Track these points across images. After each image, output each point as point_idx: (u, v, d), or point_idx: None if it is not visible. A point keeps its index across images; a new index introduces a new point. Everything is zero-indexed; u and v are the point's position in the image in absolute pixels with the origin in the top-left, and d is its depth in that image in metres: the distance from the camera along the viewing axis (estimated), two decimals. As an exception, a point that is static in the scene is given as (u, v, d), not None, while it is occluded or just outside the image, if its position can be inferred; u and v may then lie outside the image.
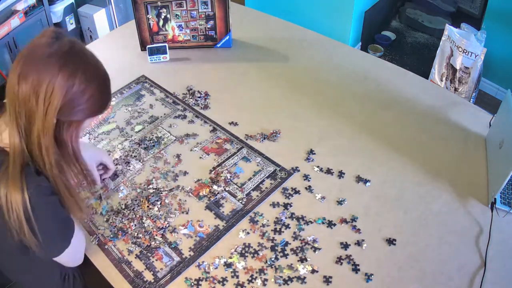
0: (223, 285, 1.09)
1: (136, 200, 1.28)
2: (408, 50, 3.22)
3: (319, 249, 1.16)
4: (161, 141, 1.47)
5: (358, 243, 1.17)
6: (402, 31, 3.38)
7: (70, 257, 1.10)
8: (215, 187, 1.31)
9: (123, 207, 1.26)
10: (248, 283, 1.09)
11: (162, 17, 1.78)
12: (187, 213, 1.25)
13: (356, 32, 3.02)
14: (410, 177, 1.33)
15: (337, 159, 1.39)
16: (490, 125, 1.46)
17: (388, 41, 3.24)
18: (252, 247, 1.17)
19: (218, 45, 1.87)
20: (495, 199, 1.21)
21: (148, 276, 1.11)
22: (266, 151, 1.42)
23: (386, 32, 3.31)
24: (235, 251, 1.16)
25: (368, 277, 1.09)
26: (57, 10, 2.93)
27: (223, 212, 1.25)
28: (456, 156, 1.39)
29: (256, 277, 1.10)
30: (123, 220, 1.23)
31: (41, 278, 1.15)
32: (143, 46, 1.85)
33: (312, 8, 2.93)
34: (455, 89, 2.63)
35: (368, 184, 1.31)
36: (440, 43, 2.64)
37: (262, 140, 1.46)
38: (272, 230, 1.20)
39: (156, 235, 1.19)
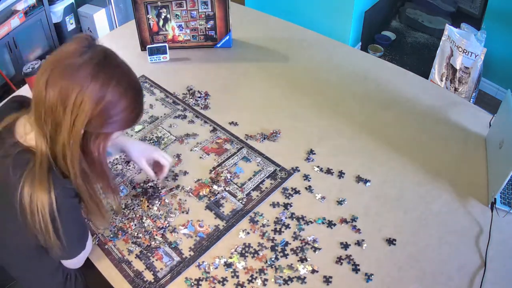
0: (223, 285, 1.09)
1: (136, 200, 1.28)
2: (408, 50, 3.22)
3: (319, 249, 1.16)
4: (161, 141, 1.47)
5: (358, 243, 1.17)
6: (402, 31, 3.38)
7: (80, 260, 1.10)
8: (215, 187, 1.31)
9: (123, 206, 1.26)
10: (248, 283, 1.09)
11: (162, 17, 1.78)
12: (187, 213, 1.25)
13: (356, 32, 3.02)
14: (410, 177, 1.33)
15: (337, 159, 1.39)
16: (490, 125, 1.46)
17: (388, 41, 3.24)
18: (252, 247, 1.17)
19: (218, 45, 1.87)
20: (495, 199, 1.21)
21: (148, 276, 1.11)
22: (266, 151, 1.42)
23: (386, 32, 3.31)
24: (235, 251, 1.16)
25: (368, 277, 1.09)
26: (57, 10, 2.93)
27: (223, 212, 1.25)
28: (456, 156, 1.39)
29: (256, 277, 1.10)
30: (123, 219, 1.23)
31: (44, 278, 1.15)
32: (143, 46, 1.85)
33: (312, 8, 2.93)
34: (455, 89, 2.63)
35: (368, 184, 1.31)
36: (440, 43, 2.64)
37: (262, 140, 1.46)
38: (272, 230, 1.20)
39: (156, 235, 1.19)
